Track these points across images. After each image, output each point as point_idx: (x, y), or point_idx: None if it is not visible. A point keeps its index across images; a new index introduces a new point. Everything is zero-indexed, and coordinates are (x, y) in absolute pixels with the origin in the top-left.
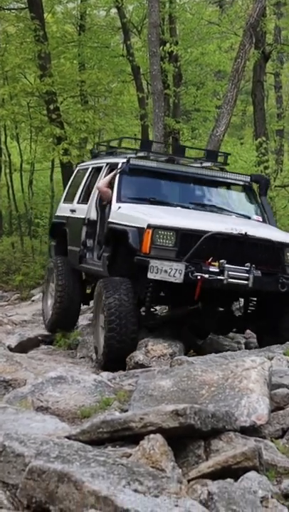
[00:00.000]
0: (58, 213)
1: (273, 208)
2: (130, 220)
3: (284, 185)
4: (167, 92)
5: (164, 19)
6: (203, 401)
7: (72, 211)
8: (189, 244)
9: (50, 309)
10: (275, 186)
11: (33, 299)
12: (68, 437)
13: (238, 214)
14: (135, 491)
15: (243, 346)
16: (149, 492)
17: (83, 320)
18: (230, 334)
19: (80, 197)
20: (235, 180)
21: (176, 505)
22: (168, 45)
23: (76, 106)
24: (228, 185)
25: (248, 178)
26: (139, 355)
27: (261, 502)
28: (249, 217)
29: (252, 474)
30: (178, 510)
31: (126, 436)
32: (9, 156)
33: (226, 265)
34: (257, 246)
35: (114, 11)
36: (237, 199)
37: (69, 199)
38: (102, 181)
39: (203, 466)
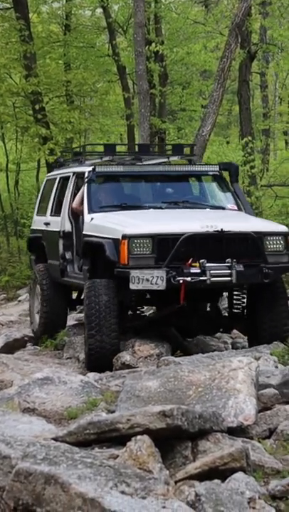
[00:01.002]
0: (33, 227)
1: (260, 207)
2: (105, 231)
3: (270, 184)
4: (153, 91)
5: (150, 19)
6: (191, 402)
7: (47, 224)
8: (167, 249)
9: (37, 319)
10: (262, 186)
11: (19, 299)
12: (55, 439)
13: (211, 206)
14: (122, 492)
15: (230, 346)
16: (137, 494)
17: (70, 320)
18: (217, 334)
19: (52, 209)
20: (205, 171)
21: (164, 507)
22: (153, 44)
23: (62, 106)
24: (198, 178)
25: (216, 167)
26: (126, 356)
27: (249, 503)
28: (223, 208)
29: (239, 475)
30: None
31: (113, 437)
32: None
33: (207, 264)
34: (235, 240)
35: (99, 10)
36: (209, 190)
37: (42, 212)
38: (75, 200)
39: (191, 467)
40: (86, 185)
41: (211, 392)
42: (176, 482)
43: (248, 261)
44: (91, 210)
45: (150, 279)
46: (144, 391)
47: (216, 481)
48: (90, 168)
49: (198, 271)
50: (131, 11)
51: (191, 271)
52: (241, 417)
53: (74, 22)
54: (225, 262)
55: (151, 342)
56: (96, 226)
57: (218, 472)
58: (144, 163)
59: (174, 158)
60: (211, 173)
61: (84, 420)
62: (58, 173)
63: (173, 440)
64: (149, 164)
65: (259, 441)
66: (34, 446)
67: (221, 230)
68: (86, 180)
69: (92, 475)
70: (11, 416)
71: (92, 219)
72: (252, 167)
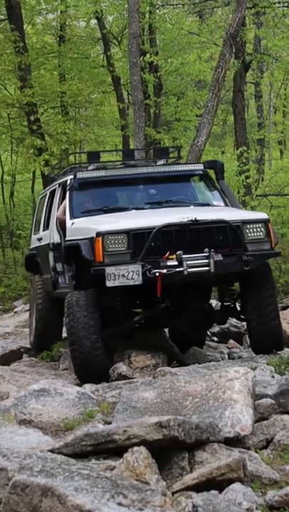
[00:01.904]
0: (31, 246)
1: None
2: (81, 232)
3: (265, 194)
4: (148, 102)
5: (144, 29)
6: (187, 412)
7: (40, 240)
8: (143, 244)
9: (33, 330)
10: (257, 195)
11: (15, 310)
12: (52, 450)
13: (196, 203)
14: (119, 504)
15: (226, 356)
16: (134, 505)
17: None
18: (213, 344)
19: (44, 224)
20: (189, 171)
21: None
22: (148, 55)
23: (57, 117)
24: (183, 178)
25: (201, 166)
26: (122, 367)
27: None
28: (209, 205)
29: (236, 486)
30: None
31: (110, 448)
32: None
33: (184, 256)
34: (213, 229)
35: (94, 21)
36: (194, 189)
37: (36, 229)
38: (59, 210)
39: (188, 478)
40: (68, 192)
41: (208, 403)
42: (173, 493)
43: (228, 250)
44: (73, 216)
45: (126, 274)
46: (141, 402)
47: (214, 491)
48: (72, 176)
49: (175, 263)
50: (125, 22)
51: (168, 263)
52: (238, 428)
53: (68, 33)
54: (203, 253)
55: (148, 353)
56: (75, 229)
57: (216, 483)
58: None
59: (161, 162)
60: (195, 172)
61: (80, 432)
62: (47, 189)
63: (170, 451)
64: (132, 167)
65: (256, 452)
66: (31, 458)
67: (195, 219)
68: (68, 187)
69: (89, 487)
70: (8, 428)
71: (72, 224)
72: (247, 177)
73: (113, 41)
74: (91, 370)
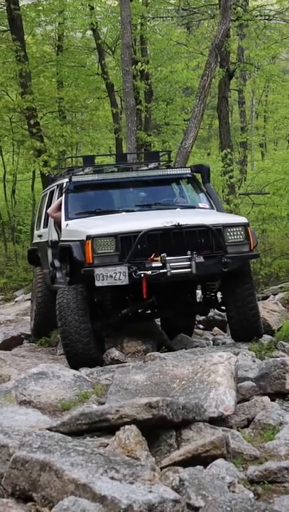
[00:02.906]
0: (33, 241)
1: (238, 214)
2: (74, 235)
3: (247, 193)
4: (139, 107)
5: (136, 40)
6: (175, 394)
7: (40, 236)
8: (130, 246)
9: (33, 318)
10: (240, 194)
11: (16, 299)
12: (49, 429)
13: (182, 206)
14: (112, 478)
15: (211, 343)
16: (125, 479)
17: None
18: (199, 331)
19: (43, 222)
20: (177, 174)
21: (150, 491)
22: (139, 64)
23: (55, 121)
24: (171, 181)
25: (188, 170)
26: (115, 352)
27: (229, 487)
28: (194, 207)
29: (220, 462)
30: (152, 496)
31: (103, 427)
32: None
33: (167, 258)
34: (195, 233)
35: (89, 32)
36: (181, 192)
37: (37, 226)
38: (51, 207)
39: (175, 454)
40: (64, 195)
41: (194, 385)
42: (161, 468)
43: (209, 252)
44: (67, 218)
45: (113, 275)
46: (132, 384)
47: (199, 467)
48: (67, 179)
49: (160, 264)
50: (119, 33)
51: (153, 265)
52: (222, 408)
53: (66, 43)
54: (186, 255)
55: (139, 339)
56: (69, 231)
57: (201, 459)
58: (120, 171)
59: (152, 165)
60: (183, 176)
61: (76, 411)
62: (48, 189)
63: (158, 429)
64: (124, 171)
65: (238, 430)
66: (30, 435)
67: (178, 224)
68: (64, 190)
69: (84, 462)
70: (9, 408)
71: (66, 225)
72: (231, 177)
73: (107, 51)
74: (78, 356)
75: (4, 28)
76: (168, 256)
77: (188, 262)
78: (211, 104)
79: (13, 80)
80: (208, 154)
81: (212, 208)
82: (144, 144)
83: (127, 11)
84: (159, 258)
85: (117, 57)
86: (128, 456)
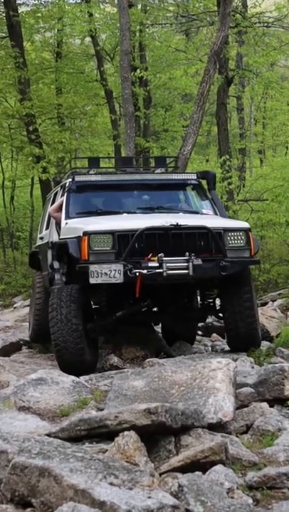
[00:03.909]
0: (36, 245)
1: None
2: (71, 232)
3: (246, 199)
4: (138, 114)
5: (135, 47)
6: (174, 400)
7: (42, 238)
8: (127, 245)
9: (32, 323)
10: (238, 200)
11: (15, 306)
12: (48, 435)
13: (186, 211)
14: (111, 484)
15: (210, 349)
16: (124, 485)
17: None
18: (198, 337)
19: (46, 224)
20: (182, 179)
21: (149, 497)
22: (138, 70)
23: (54, 127)
24: (176, 187)
25: (194, 176)
26: (113, 358)
27: (227, 493)
28: (198, 213)
29: (219, 467)
30: (151, 502)
31: (102, 433)
32: None
33: (164, 258)
34: (194, 235)
35: (88, 39)
36: (186, 197)
37: (41, 229)
38: (52, 206)
39: (174, 460)
40: (66, 194)
41: (193, 391)
42: (160, 474)
43: (209, 255)
44: (68, 217)
45: (108, 272)
46: (131, 390)
47: (198, 473)
48: (70, 179)
49: (156, 264)
50: (117, 40)
51: (149, 264)
52: (220, 414)
53: (65, 50)
54: (184, 256)
55: (137, 345)
56: (68, 229)
57: (200, 465)
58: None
59: (158, 171)
60: (188, 181)
61: (75, 417)
62: (52, 191)
63: (157, 435)
64: (128, 174)
65: (237, 436)
66: (29, 441)
67: (177, 224)
68: (66, 189)
69: (83, 468)
70: (8, 414)
71: (66, 223)
72: (229, 183)
73: (106, 57)
74: (70, 360)
75: (3, 34)
76: (166, 257)
77: (186, 264)
78: (209, 110)
79: (12, 86)
80: (207, 161)
81: (216, 215)
82: (142, 151)
83: (126, 17)
84: (156, 258)
85: (116, 63)
86: (127, 462)
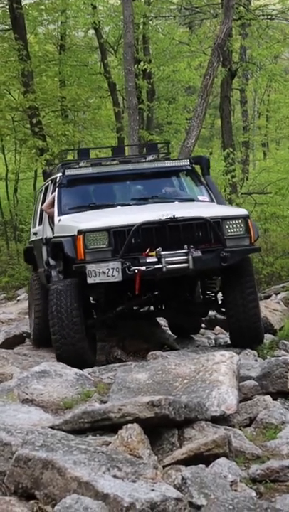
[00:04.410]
0: (30, 240)
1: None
2: (66, 230)
3: (249, 192)
4: (141, 106)
5: (138, 39)
6: (177, 393)
7: (35, 234)
8: (123, 241)
9: (33, 325)
10: (242, 193)
11: (18, 298)
12: (52, 427)
13: (181, 199)
14: (114, 476)
15: (213, 342)
16: (128, 477)
17: None
18: (201, 330)
19: (38, 219)
20: (175, 167)
21: (153, 490)
22: (142, 63)
23: (57, 120)
24: (169, 174)
25: (187, 162)
26: (117, 351)
27: (231, 486)
28: (193, 200)
29: (222, 460)
30: (154, 494)
31: (105, 425)
32: None
33: (163, 252)
34: (192, 226)
35: (91, 32)
36: (180, 184)
37: (34, 224)
38: (46, 202)
39: (177, 453)
40: (57, 189)
41: (196, 384)
42: (164, 467)
43: (208, 246)
44: (60, 213)
45: (106, 271)
46: (134, 383)
47: (201, 465)
48: (60, 173)
49: (155, 260)
50: (121, 32)
51: (147, 260)
52: (224, 407)
53: (68, 42)
54: (183, 249)
55: (141, 338)
56: (61, 227)
57: (203, 457)
58: (117, 164)
59: (151, 158)
60: (182, 168)
61: (79, 410)
62: (43, 185)
63: (161, 428)
64: (120, 164)
65: (240, 429)
66: (33, 434)
67: (174, 216)
68: (57, 184)
69: (87, 460)
70: (11, 406)
71: (59, 220)
72: (233, 176)
73: (109, 50)
74: (69, 355)
75: (7, 27)
76: (164, 251)
77: (185, 257)
78: (213, 103)
79: (16, 78)
80: (210, 154)
81: (212, 200)
82: (146, 143)
83: (130, 10)
84: (154, 253)
85: (120, 56)
86: (130, 454)
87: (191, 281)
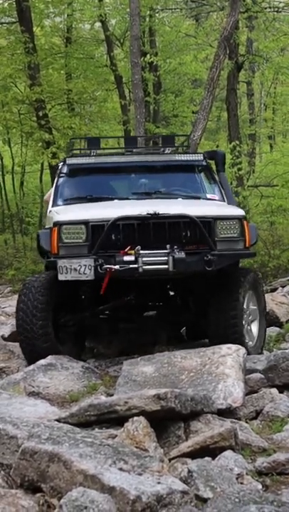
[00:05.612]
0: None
1: (247, 206)
2: (49, 222)
3: (256, 185)
4: (148, 99)
5: (145, 32)
6: (183, 385)
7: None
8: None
9: None
10: (248, 186)
11: None
12: (58, 420)
13: (186, 196)
14: (120, 469)
15: None
16: (134, 470)
17: None
18: None
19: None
20: (187, 161)
21: (159, 483)
22: (148, 56)
23: (63, 113)
24: (179, 169)
25: (200, 157)
26: (123, 344)
27: (237, 478)
28: (200, 198)
29: (228, 453)
30: (160, 487)
31: (112, 418)
32: (1, 159)
33: (141, 251)
34: (178, 224)
35: (98, 24)
36: (189, 180)
37: (45, 216)
38: (47, 193)
39: (183, 445)
40: (56, 178)
41: (202, 377)
42: (170, 460)
43: (195, 248)
44: (55, 204)
45: (78, 268)
46: (141, 376)
47: (207, 458)
48: (62, 162)
49: (132, 258)
50: (127, 25)
51: (124, 259)
52: (230, 400)
53: (74, 35)
54: (166, 249)
55: (147, 331)
56: (48, 218)
57: (209, 450)
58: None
59: (167, 151)
60: (194, 163)
61: (85, 403)
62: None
63: (167, 421)
64: (128, 155)
65: (246, 422)
66: (39, 426)
67: (155, 212)
68: (57, 173)
69: (93, 453)
70: (18, 399)
71: (49, 212)
72: (239, 169)
73: (116, 43)
74: (33, 350)
75: (13, 19)
76: (146, 249)
77: (165, 258)
78: (219, 96)
79: (22, 71)
80: (217, 146)
81: (223, 200)
82: (153, 135)
83: (136, 2)
84: (133, 251)
85: (126, 49)
86: (136, 447)
87: (181, 286)
